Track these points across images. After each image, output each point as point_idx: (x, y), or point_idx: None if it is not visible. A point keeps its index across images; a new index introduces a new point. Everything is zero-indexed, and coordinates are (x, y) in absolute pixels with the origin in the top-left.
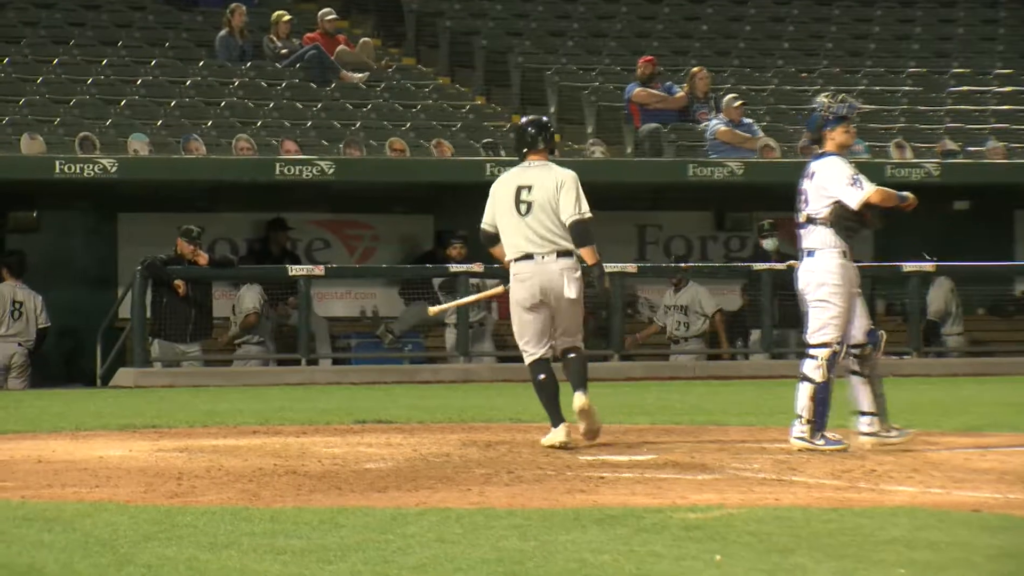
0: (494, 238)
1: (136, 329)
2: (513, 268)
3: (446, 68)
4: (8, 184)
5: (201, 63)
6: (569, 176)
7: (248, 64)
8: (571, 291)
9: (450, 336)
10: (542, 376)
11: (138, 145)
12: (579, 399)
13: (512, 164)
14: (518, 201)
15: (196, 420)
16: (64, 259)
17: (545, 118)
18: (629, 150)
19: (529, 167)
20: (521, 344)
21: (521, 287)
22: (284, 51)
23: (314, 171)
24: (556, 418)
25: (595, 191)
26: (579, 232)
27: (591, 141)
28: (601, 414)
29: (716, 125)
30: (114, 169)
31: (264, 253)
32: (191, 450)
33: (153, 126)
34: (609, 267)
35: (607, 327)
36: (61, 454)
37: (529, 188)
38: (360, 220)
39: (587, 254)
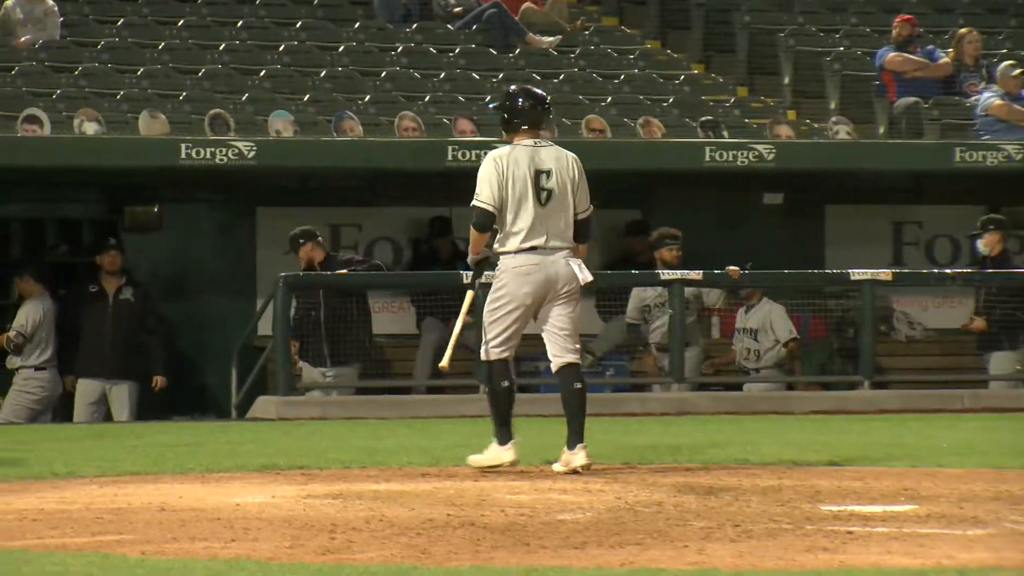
0: (492, 220)
1: (279, 349)
2: (511, 260)
3: (655, 30)
4: (124, 173)
5: (356, 25)
6: (578, 161)
7: (414, 26)
8: (585, 274)
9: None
10: (505, 383)
11: (280, 125)
12: (581, 457)
13: (734, 148)
14: (538, 187)
15: (352, 460)
16: (190, 263)
17: (540, 91)
18: (881, 130)
19: (539, 147)
20: (492, 335)
21: (523, 281)
22: (458, 9)
23: (458, 155)
24: (507, 434)
25: (839, 180)
26: (588, 227)
27: (833, 119)
28: (853, 453)
29: (989, 99)
30: (251, 154)
31: (432, 256)
32: (346, 496)
33: (299, 102)
34: (857, 273)
35: (855, 348)
36: (189, 500)
37: (548, 173)
38: None
39: (584, 252)
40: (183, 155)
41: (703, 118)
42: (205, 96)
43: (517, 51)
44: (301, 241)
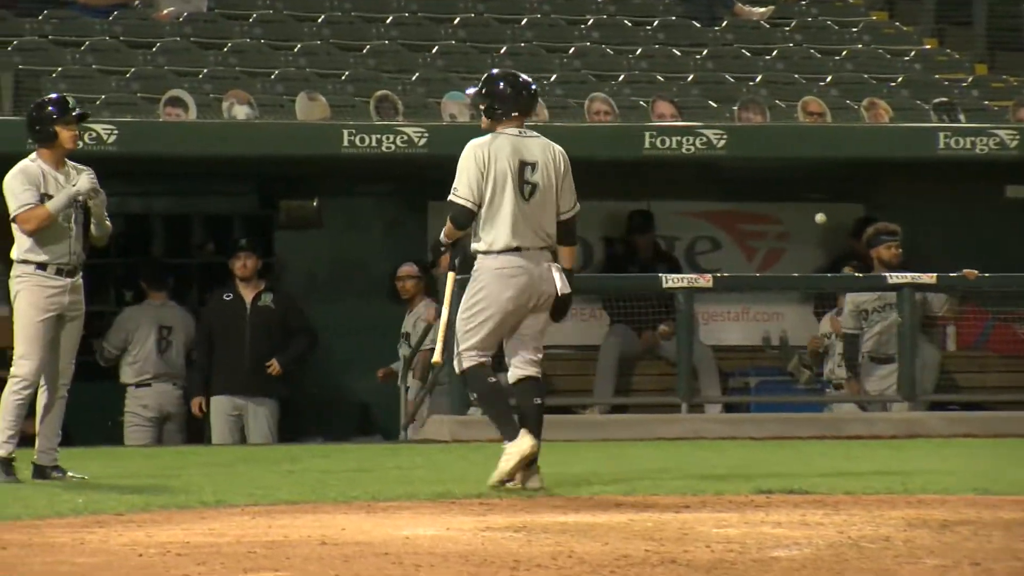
0: (470, 217)
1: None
2: (492, 260)
3: (882, 0)
4: (278, 163)
5: None
6: (565, 155)
7: None
8: (565, 285)
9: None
10: (492, 379)
11: (455, 108)
12: (535, 481)
13: (972, 134)
14: (522, 180)
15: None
16: (354, 264)
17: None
18: None
19: (524, 136)
20: (468, 345)
21: (505, 284)
22: None
23: (698, 143)
24: (513, 428)
25: None
26: (572, 228)
27: None
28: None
29: None
30: (422, 141)
31: (628, 257)
32: (530, 529)
33: (475, 82)
34: None
35: None
36: (352, 533)
37: (533, 166)
38: (762, 211)
39: (570, 255)
40: (345, 142)
41: (936, 100)
42: (370, 76)
43: (724, 24)
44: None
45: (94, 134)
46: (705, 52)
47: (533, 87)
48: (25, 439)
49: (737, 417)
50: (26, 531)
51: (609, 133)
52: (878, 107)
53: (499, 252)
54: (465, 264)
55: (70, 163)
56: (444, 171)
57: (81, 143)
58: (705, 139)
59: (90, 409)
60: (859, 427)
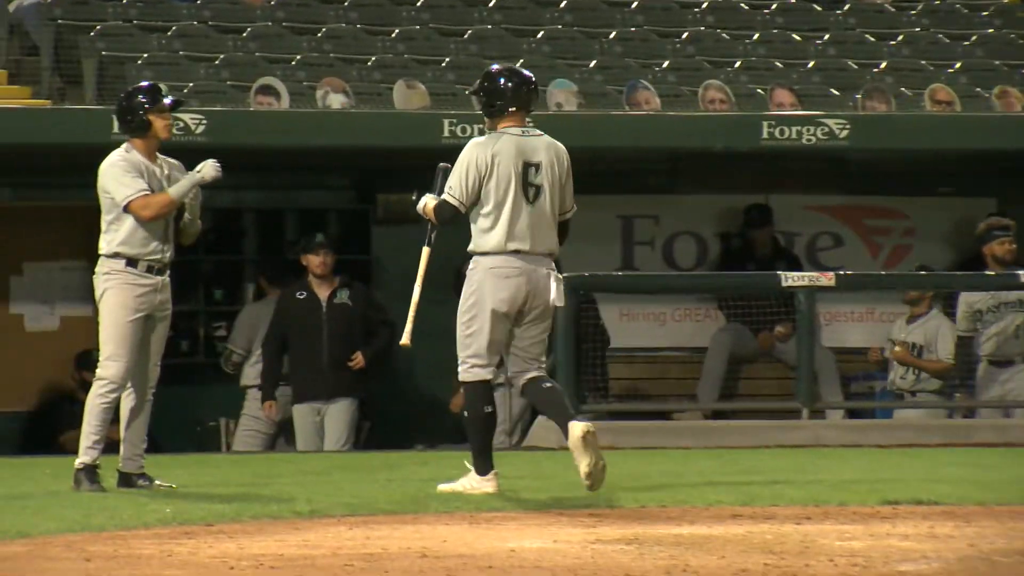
0: (456, 216)
1: (563, 362)
2: (488, 260)
3: None
4: (376, 154)
5: None
6: (567, 155)
7: None
8: (560, 297)
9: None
10: (488, 408)
11: (562, 96)
12: (579, 426)
13: None
14: (526, 183)
15: (649, 497)
16: (455, 261)
17: (527, 72)
18: None
19: (528, 135)
20: (469, 353)
21: (499, 284)
22: None
23: (819, 133)
24: (486, 464)
25: None
26: (567, 230)
27: None
28: None
29: None
30: None
31: (745, 253)
32: (642, 541)
33: (583, 69)
34: None
35: None
36: (455, 545)
37: (537, 167)
38: (888, 205)
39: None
40: (446, 133)
41: None
42: (472, 62)
43: (847, 7)
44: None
45: (181, 124)
46: (827, 37)
47: (533, 82)
48: (109, 446)
49: (860, 423)
50: (111, 543)
51: (724, 123)
52: (1010, 95)
53: (496, 253)
54: (470, 263)
55: (160, 155)
56: None
57: None
58: (827, 129)
59: (178, 414)
60: (990, 434)
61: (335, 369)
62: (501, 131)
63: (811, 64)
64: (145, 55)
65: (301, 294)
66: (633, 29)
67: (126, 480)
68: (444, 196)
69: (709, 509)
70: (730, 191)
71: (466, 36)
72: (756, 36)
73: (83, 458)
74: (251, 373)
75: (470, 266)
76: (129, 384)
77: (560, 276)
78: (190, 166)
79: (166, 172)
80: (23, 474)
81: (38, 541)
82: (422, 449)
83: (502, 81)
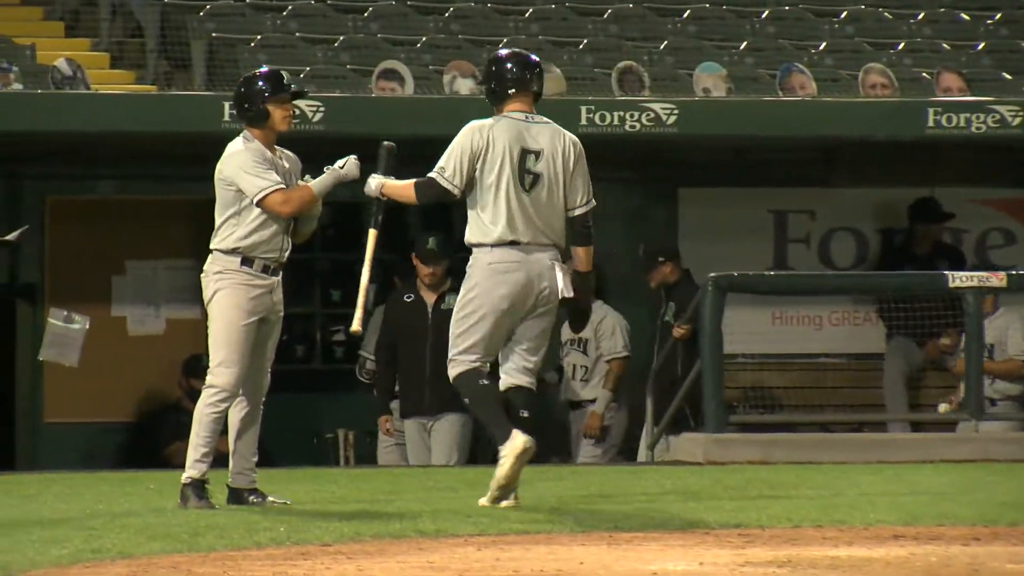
0: (441, 197)
1: (707, 370)
2: (486, 254)
3: None
4: None
5: None
6: (580, 145)
7: None
8: (568, 287)
9: None
10: (484, 381)
11: (710, 81)
12: (523, 438)
13: None
14: (523, 169)
15: (803, 516)
16: (594, 264)
17: (533, 55)
18: None
19: (530, 122)
20: (461, 349)
21: (498, 280)
22: None
23: (989, 121)
24: (506, 429)
25: None
26: (584, 226)
27: None
28: None
29: None
30: (671, 119)
31: (908, 252)
32: (795, 563)
33: (732, 51)
34: None
35: None
36: (592, 567)
37: (537, 155)
38: None
39: (586, 257)
40: (583, 120)
41: None
42: (611, 44)
43: None
44: (661, 259)
45: (297, 111)
46: (998, 16)
47: (534, 65)
48: (219, 459)
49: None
50: (221, 563)
51: (886, 109)
52: None
53: (493, 246)
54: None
55: (277, 147)
56: (697, 153)
57: None
58: (998, 116)
59: (292, 424)
60: None
61: (440, 382)
62: (502, 115)
63: (981, 46)
64: (258, 37)
65: (409, 297)
66: (787, 8)
67: (236, 496)
68: (433, 175)
69: (868, 529)
70: (892, 184)
71: (605, 16)
72: (921, 15)
73: (190, 472)
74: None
75: (469, 261)
76: (240, 392)
77: (567, 267)
78: (304, 156)
79: (287, 167)
80: (125, 490)
81: (141, 562)
82: (557, 463)
83: (502, 65)
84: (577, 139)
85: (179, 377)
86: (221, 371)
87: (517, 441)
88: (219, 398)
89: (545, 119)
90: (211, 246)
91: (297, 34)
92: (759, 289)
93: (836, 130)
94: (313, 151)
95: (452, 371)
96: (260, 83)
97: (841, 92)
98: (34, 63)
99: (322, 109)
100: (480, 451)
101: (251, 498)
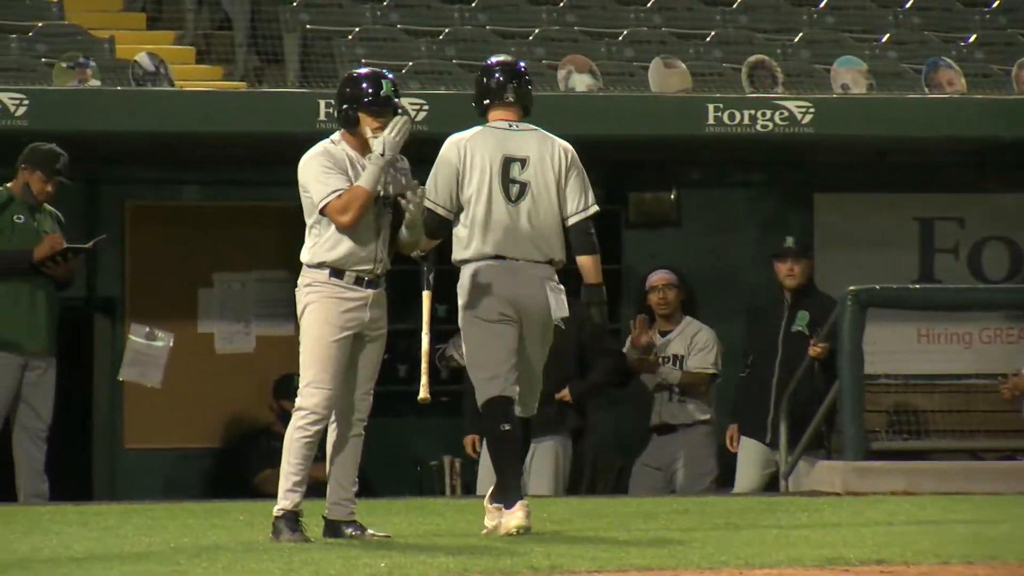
0: (444, 227)
1: (846, 393)
2: (470, 268)
3: None
4: (627, 145)
5: None
6: (572, 151)
7: None
8: (559, 308)
9: None
10: (505, 426)
11: (848, 76)
12: (518, 518)
13: None
14: (507, 180)
15: (951, 551)
16: (720, 272)
17: (521, 63)
18: None
19: (514, 130)
20: (478, 376)
21: (485, 288)
22: None
23: None
24: (515, 493)
25: None
26: (585, 233)
27: None
28: None
29: None
30: (806, 118)
31: None
32: None
33: (873, 44)
34: None
35: None
36: None
37: (523, 162)
38: None
39: (590, 266)
40: (710, 119)
41: None
42: (742, 36)
43: None
44: (809, 256)
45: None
46: None
47: (518, 75)
48: (314, 488)
49: None
50: None
51: None
52: None
53: (476, 260)
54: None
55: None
56: (835, 155)
57: None
58: None
59: (394, 451)
60: None
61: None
62: (484, 126)
63: None
64: (356, 29)
65: None
66: None
67: (333, 529)
68: (426, 204)
69: (1023, 566)
70: None
71: (735, 6)
72: None
73: (282, 503)
74: None
75: (460, 280)
76: (333, 416)
77: (560, 286)
78: (412, 161)
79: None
80: (212, 522)
81: None
82: (681, 494)
83: (484, 74)
84: (569, 145)
85: (270, 399)
86: (310, 392)
87: (512, 520)
88: (308, 421)
89: (532, 126)
90: (301, 258)
91: (399, 26)
92: (903, 304)
93: (988, 130)
94: (415, 153)
95: (479, 398)
96: (356, 87)
97: (993, 88)
98: (113, 58)
99: (426, 108)
100: (579, 475)
101: (349, 531)
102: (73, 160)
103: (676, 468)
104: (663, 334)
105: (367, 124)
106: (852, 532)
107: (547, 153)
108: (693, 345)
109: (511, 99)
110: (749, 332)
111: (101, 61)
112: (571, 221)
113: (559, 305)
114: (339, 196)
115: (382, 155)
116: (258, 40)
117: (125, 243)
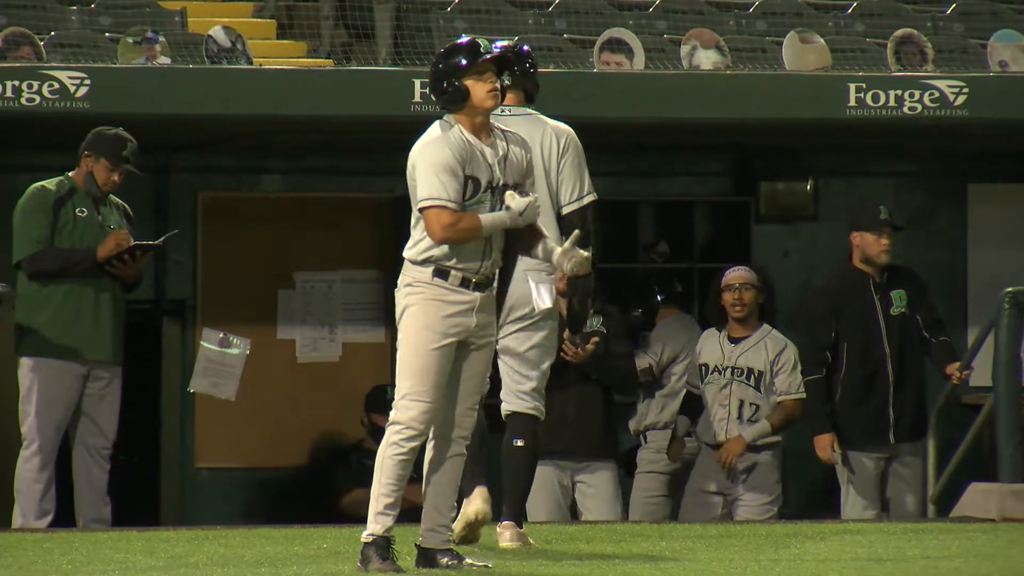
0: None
1: (1003, 409)
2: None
3: None
4: (758, 130)
5: None
6: (570, 134)
7: None
8: (544, 298)
9: None
10: (519, 441)
11: (1007, 53)
12: (507, 537)
13: None
14: None
15: None
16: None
17: (525, 45)
18: None
19: (505, 116)
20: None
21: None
22: None
23: None
24: (475, 481)
25: None
26: (578, 224)
27: None
28: None
29: None
30: (959, 99)
31: None
32: None
33: None
34: None
35: None
36: None
37: None
38: None
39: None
40: (852, 101)
41: None
42: (887, 9)
43: None
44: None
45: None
46: None
47: (521, 61)
48: (407, 513)
49: None
50: None
51: None
52: None
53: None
54: None
55: (499, 129)
56: (992, 142)
57: None
58: None
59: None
60: None
61: (582, 423)
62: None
63: None
64: (456, 1)
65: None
66: None
67: (427, 558)
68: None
69: None
70: None
71: None
72: None
73: (372, 528)
74: (652, 407)
75: None
76: (432, 433)
77: (549, 275)
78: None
79: (501, 154)
80: (293, 549)
81: None
82: (819, 520)
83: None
84: (567, 128)
85: (361, 413)
86: (406, 404)
87: (470, 508)
88: (403, 436)
89: (527, 111)
90: (404, 254)
91: None
92: None
93: None
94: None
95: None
96: (455, 56)
97: None
98: (185, 32)
99: None
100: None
101: (445, 559)
102: (141, 147)
103: (738, 494)
104: (734, 341)
105: (478, 92)
106: (1009, 563)
107: (538, 138)
108: (779, 364)
109: (508, 83)
110: (835, 322)
111: (171, 36)
112: (565, 211)
113: (541, 295)
114: (451, 210)
115: (520, 215)
116: (346, 12)
117: (198, 239)
